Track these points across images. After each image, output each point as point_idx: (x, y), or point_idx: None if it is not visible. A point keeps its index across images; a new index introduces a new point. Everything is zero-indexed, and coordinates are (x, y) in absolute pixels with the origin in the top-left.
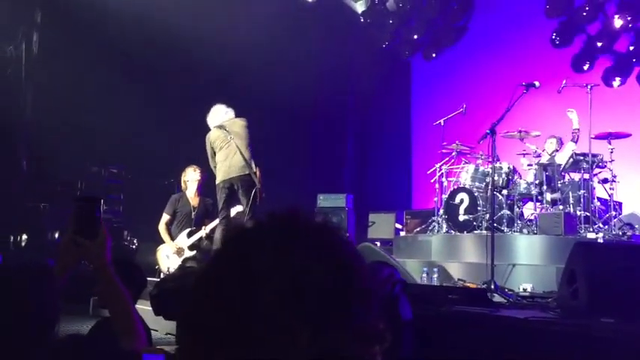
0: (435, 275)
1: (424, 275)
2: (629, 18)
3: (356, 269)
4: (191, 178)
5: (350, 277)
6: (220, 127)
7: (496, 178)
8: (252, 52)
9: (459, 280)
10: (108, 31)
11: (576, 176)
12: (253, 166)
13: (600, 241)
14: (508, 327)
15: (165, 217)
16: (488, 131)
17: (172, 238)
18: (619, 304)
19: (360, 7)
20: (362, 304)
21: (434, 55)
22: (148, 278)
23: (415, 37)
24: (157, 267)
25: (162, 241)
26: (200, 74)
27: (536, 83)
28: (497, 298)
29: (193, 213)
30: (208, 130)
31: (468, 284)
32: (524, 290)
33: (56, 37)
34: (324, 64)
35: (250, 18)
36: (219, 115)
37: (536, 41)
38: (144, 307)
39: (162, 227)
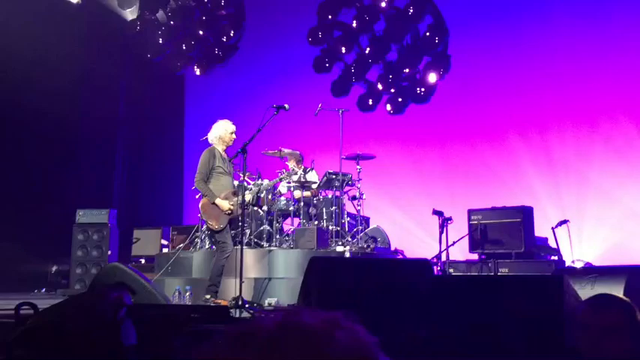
0: (187, 294)
1: (176, 294)
2: (377, 52)
3: None
4: None
5: None
6: None
7: (249, 195)
8: (11, 53)
9: (210, 297)
10: None
11: (330, 193)
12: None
13: (347, 254)
14: None
15: None
16: (239, 150)
17: None
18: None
19: (130, 15)
20: None
21: (205, 70)
22: None
23: (185, 50)
24: None
25: None
26: None
27: (286, 106)
28: (244, 313)
29: None
30: None
31: (219, 301)
32: (269, 304)
33: None
34: (94, 73)
35: (10, 15)
36: None
37: (300, 65)
38: None
39: None
